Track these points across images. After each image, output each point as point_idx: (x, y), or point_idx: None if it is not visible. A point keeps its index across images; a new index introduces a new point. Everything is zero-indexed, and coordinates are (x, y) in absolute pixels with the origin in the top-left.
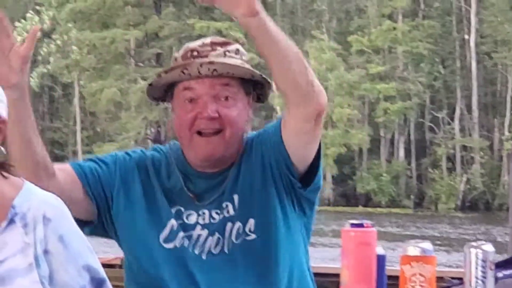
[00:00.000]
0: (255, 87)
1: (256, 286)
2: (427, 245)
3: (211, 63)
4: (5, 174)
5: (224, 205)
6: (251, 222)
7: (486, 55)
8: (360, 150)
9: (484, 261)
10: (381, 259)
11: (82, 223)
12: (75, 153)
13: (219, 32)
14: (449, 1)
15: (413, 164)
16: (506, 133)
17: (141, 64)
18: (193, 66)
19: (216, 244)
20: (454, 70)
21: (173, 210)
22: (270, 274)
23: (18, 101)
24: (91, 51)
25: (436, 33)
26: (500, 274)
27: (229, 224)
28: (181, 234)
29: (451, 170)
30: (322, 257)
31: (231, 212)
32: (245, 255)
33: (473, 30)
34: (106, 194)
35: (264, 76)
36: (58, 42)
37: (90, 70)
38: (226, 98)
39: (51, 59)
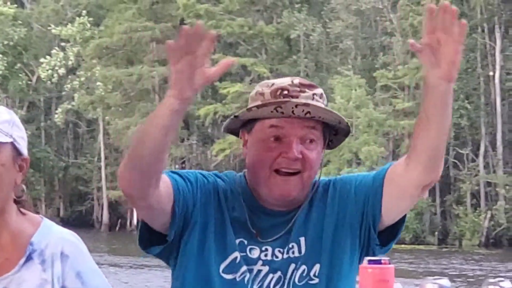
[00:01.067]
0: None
1: None
2: (445, 281)
3: (306, 105)
4: (23, 210)
5: (290, 245)
6: (317, 267)
7: (511, 92)
8: None
9: None
10: None
11: (151, 242)
12: (99, 189)
13: (244, 67)
14: (474, 37)
15: (438, 201)
16: None
17: None
18: (288, 106)
19: (277, 283)
20: (478, 106)
21: (237, 242)
22: None
23: (179, 113)
24: (116, 87)
25: (461, 69)
26: None
27: (292, 265)
28: (244, 267)
29: (475, 206)
30: None
31: (296, 253)
32: None
33: (498, 66)
34: (186, 213)
35: (348, 124)
36: (83, 78)
37: (115, 106)
38: (311, 141)
39: (76, 95)
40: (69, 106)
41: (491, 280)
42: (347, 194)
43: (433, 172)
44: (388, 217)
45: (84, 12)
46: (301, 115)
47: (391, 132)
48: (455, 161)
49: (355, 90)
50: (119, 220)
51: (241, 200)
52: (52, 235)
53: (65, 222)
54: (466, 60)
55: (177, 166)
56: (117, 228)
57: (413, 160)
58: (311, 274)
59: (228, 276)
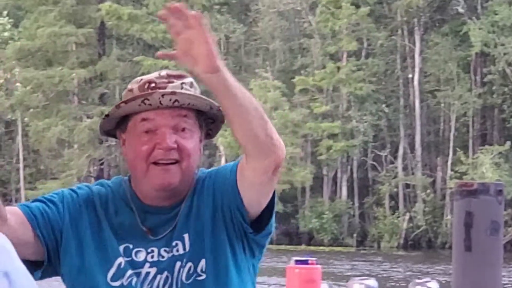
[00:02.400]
0: (206, 122)
1: None
2: (372, 282)
3: (173, 93)
4: None
5: (174, 243)
6: (203, 263)
7: (430, 94)
8: (303, 188)
9: None
10: None
11: (32, 267)
12: (18, 190)
13: (167, 68)
14: (393, 39)
15: (356, 203)
16: (449, 171)
17: (84, 102)
18: (154, 97)
19: (165, 283)
20: (397, 108)
21: (121, 247)
22: None
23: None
24: (35, 89)
25: (380, 71)
26: None
27: (178, 263)
28: (129, 272)
29: (394, 208)
30: None
31: (181, 251)
32: None
33: (417, 68)
34: (55, 234)
35: (220, 108)
36: (1, 80)
37: (35, 108)
38: (184, 130)
39: None
40: None
41: (418, 281)
42: (217, 187)
43: (268, 157)
44: (251, 203)
45: (4, 12)
46: (169, 105)
47: (310, 134)
48: (374, 163)
49: (272, 92)
50: None
51: (127, 203)
52: None
53: None
54: (386, 62)
55: (95, 168)
56: None
57: (245, 153)
58: (198, 270)
59: (116, 283)
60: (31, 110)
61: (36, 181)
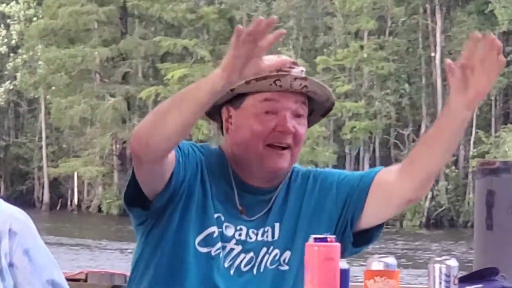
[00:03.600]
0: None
1: None
2: (391, 260)
3: (304, 79)
4: None
5: (266, 228)
6: (287, 254)
7: None
8: (326, 167)
9: (447, 275)
10: (344, 274)
11: (134, 203)
12: (40, 168)
13: (186, 49)
14: (415, 18)
15: None
16: (472, 150)
17: (106, 81)
18: (287, 79)
19: (248, 263)
20: (420, 87)
21: (215, 216)
22: None
23: (217, 95)
24: (58, 68)
25: (401, 50)
26: None
27: (264, 249)
28: (220, 244)
29: None
30: None
31: (270, 237)
32: (274, 282)
33: (438, 47)
34: (177, 184)
35: (334, 103)
36: (25, 56)
37: (57, 86)
38: (300, 116)
39: (18, 74)
40: (11, 86)
41: (437, 259)
42: (329, 187)
43: (424, 191)
44: (366, 219)
45: None
46: (298, 89)
47: (334, 113)
48: (396, 141)
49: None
50: (60, 200)
51: (225, 176)
52: (0, 213)
53: (6, 201)
54: (408, 40)
55: (118, 146)
56: (57, 208)
57: (407, 174)
58: (281, 260)
59: (203, 250)
60: (54, 88)
61: (59, 159)
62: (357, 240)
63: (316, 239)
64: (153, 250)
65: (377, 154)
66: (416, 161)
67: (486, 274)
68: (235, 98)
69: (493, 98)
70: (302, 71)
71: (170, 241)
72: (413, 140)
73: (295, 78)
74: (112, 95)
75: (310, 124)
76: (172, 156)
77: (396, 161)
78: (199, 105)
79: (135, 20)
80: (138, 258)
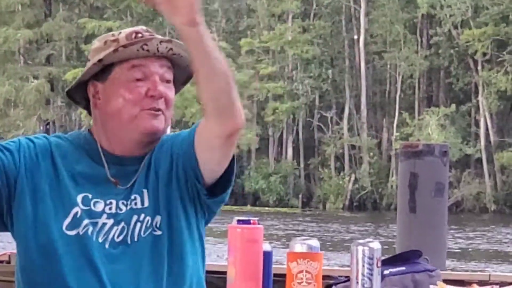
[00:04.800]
0: None
1: (160, 282)
2: (314, 242)
3: (169, 41)
4: None
5: (133, 197)
6: (158, 219)
7: (376, 55)
8: (249, 149)
9: (371, 258)
10: (267, 256)
11: None
12: None
13: (110, 31)
14: (339, 0)
15: (302, 164)
16: (395, 133)
17: (30, 63)
18: (153, 43)
19: (121, 233)
20: (343, 69)
21: (80, 197)
22: (177, 273)
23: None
24: None
25: (326, 33)
26: (386, 272)
27: (135, 217)
28: (86, 221)
29: (339, 169)
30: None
31: (139, 205)
32: (152, 249)
33: (362, 30)
34: (9, 182)
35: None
36: None
37: None
38: (168, 81)
39: None
40: None
41: (360, 241)
42: (175, 148)
43: (228, 121)
44: (206, 169)
45: None
46: (164, 52)
47: (256, 95)
48: (320, 124)
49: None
50: None
51: (90, 153)
52: None
53: None
54: (332, 23)
55: (42, 128)
56: None
57: (205, 112)
58: (154, 225)
59: (71, 232)
60: None
61: None
62: (215, 191)
63: (239, 221)
64: (24, 254)
65: (300, 136)
66: (201, 98)
67: (409, 256)
68: (101, 73)
69: (416, 80)
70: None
71: (33, 240)
72: (337, 123)
73: (161, 41)
74: (36, 77)
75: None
76: None
77: (319, 144)
78: None
79: (59, 2)
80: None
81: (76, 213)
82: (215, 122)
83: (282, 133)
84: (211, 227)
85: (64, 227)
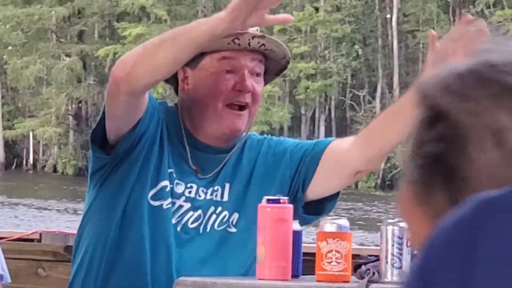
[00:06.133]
0: None
1: (219, 275)
2: (344, 221)
3: (262, 37)
4: None
5: (215, 187)
6: (235, 216)
7: (409, 34)
8: (281, 127)
9: (400, 238)
10: (297, 235)
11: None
12: None
13: (143, 8)
14: None
15: None
16: None
17: (63, 40)
18: (245, 37)
19: (196, 221)
20: (375, 48)
21: (169, 172)
22: (231, 267)
23: (215, 37)
24: (15, 27)
25: (358, 12)
26: (416, 251)
27: (212, 208)
28: (170, 199)
29: None
30: None
31: (219, 197)
32: (220, 243)
33: (395, 9)
34: (141, 131)
35: (289, 60)
36: None
37: (13, 46)
38: (258, 75)
39: None
40: None
41: (390, 221)
42: (283, 152)
43: (375, 165)
44: (317, 187)
45: None
46: (256, 47)
47: (288, 74)
48: (352, 102)
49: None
50: (15, 159)
51: (178, 134)
52: None
53: None
54: (364, 2)
55: (74, 106)
56: (13, 167)
57: (362, 144)
58: (230, 221)
59: (156, 203)
60: (10, 48)
61: (14, 118)
62: (309, 209)
63: (268, 201)
64: (108, 198)
65: (332, 115)
66: (376, 134)
67: None
68: (191, 59)
69: None
70: (257, 30)
71: (127, 191)
72: (369, 102)
73: (253, 37)
74: (68, 55)
75: (265, 83)
76: (145, 99)
77: (352, 122)
78: (194, 44)
79: None
80: (90, 206)
81: (165, 186)
82: (364, 158)
83: (314, 111)
84: None
85: (149, 196)
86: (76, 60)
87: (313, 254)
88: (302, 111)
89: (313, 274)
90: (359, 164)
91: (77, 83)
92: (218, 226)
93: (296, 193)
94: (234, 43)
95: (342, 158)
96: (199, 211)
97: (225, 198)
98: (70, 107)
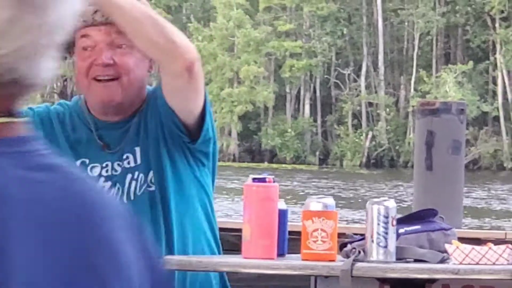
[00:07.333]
0: None
1: (160, 237)
2: (329, 200)
3: None
4: None
5: (125, 156)
6: (151, 174)
7: (393, 12)
8: (266, 106)
9: (386, 217)
10: (282, 214)
11: None
12: None
13: None
14: None
15: (319, 121)
16: (412, 90)
17: None
18: (87, 13)
19: (117, 195)
20: (360, 27)
21: (78, 163)
22: (164, 225)
23: None
24: None
25: None
26: (401, 230)
27: (129, 176)
28: None
29: (356, 127)
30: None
31: (132, 163)
32: (149, 204)
33: None
34: None
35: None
36: None
37: None
38: (121, 46)
39: None
40: None
41: (375, 200)
42: (156, 100)
43: (178, 59)
44: (182, 111)
45: None
46: (102, 20)
47: (273, 52)
48: (337, 81)
49: (235, 10)
50: None
51: (83, 119)
52: None
53: None
54: None
55: (59, 84)
56: None
57: (155, 61)
58: (148, 181)
59: None
60: None
61: None
62: (198, 132)
63: (254, 179)
64: None
65: (317, 93)
66: (144, 51)
67: (424, 215)
68: (73, 44)
69: (433, 37)
70: None
71: None
72: (354, 80)
73: (95, 11)
74: None
75: None
76: None
77: (337, 101)
78: None
79: None
80: None
81: None
82: (166, 66)
83: (299, 90)
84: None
85: None
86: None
87: (299, 233)
88: (287, 90)
89: (299, 253)
90: (169, 69)
91: (61, 61)
92: (139, 190)
93: (177, 134)
94: (82, 20)
95: (164, 79)
96: (118, 185)
97: (138, 161)
98: (55, 85)
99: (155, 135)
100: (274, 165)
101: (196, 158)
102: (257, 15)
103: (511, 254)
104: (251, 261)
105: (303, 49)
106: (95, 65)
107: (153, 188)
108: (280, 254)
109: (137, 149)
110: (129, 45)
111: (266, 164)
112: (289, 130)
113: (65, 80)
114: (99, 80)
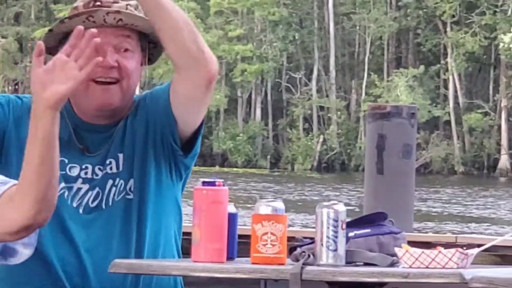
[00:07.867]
0: (148, 46)
1: (129, 245)
2: (279, 204)
3: (117, 12)
4: None
5: (108, 161)
6: (131, 182)
7: (345, 16)
8: (218, 110)
9: (335, 220)
10: (232, 218)
11: None
12: None
13: None
14: None
15: (270, 124)
16: (364, 94)
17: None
18: (99, 14)
19: (95, 199)
20: (312, 31)
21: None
22: (146, 235)
23: None
24: None
25: None
26: (351, 234)
27: (110, 181)
28: (62, 184)
29: (308, 130)
30: None
31: (114, 169)
32: (123, 212)
33: None
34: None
35: None
36: None
37: None
38: (126, 50)
39: None
40: None
41: (325, 203)
42: (151, 107)
43: (201, 69)
44: (184, 121)
45: None
46: (113, 23)
47: (224, 56)
48: (288, 85)
49: (186, 14)
50: None
51: (62, 118)
52: None
53: None
54: None
55: (10, 88)
56: None
57: (177, 67)
58: (127, 189)
59: None
60: None
61: None
62: (188, 146)
63: (204, 183)
64: None
65: (269, 97)
66: (169, 54)
67: (374, 219)
68: (66, 38)
69: (385, 41)
70: (128, 4)
71: None
72: (305, 84)
73: (108, 13)
74: (4, 37)
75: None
76: None
77: (288, 105)
78: None
79: None
80: None
81: None
82: (189, 73)
83: (250, 94)
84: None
85: None
86: (12, 41)
87: (249, 237)
88: (239, 94)
89: (248, 257)
90: (192, 81)
91: (13, 65)
92: (118, 196)
93: (171, 145)
94: (89, 21)
95: (180, 89)
96: (97, 189)
97: (120, 168)
98: (6, 89)
99: (144, 142)
100: (226, 169)
101: (177, 171)
102: (208, 19)
103: (460, 258)
104: (200, 264)
105: (254, 53)
106: (100, 66)
107: (131, 196)
108: (230, 258)
109: (120, 156)
110: (131, 50)
111: (217, 167)
112: (241, 134)
113: (16, 83)
114: (98, 82)
